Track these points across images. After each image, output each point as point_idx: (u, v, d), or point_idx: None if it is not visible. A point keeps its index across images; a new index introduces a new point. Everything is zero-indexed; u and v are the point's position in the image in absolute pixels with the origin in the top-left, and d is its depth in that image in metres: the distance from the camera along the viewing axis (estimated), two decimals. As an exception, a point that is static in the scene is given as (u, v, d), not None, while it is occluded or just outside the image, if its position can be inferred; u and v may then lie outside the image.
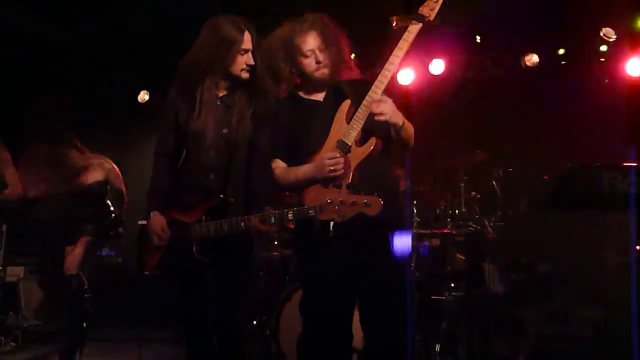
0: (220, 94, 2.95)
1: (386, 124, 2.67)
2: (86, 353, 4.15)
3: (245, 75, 2.90)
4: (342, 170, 2.65)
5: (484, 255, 4.56)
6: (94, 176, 4.25)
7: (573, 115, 5.51)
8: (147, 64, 5.99)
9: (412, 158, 3.08)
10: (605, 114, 5.34)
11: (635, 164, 3.52)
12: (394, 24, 5.11)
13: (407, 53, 2.68)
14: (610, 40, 5.33)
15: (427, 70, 5.98)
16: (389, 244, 2.75)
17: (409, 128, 2.80)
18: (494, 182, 4.85)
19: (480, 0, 5.23)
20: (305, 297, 2.87)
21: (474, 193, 4.89)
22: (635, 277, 3.42)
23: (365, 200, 2.49)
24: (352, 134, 2.68)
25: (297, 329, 2.83)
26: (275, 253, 4.68)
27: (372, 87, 2.68)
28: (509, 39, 5.78)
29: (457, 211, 4.82)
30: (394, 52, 2.68)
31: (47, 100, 5.67)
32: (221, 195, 2.85)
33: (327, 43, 2.79)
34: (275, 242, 4.74)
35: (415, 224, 4.76)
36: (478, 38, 5.77)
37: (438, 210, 4.92)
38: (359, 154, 2.69)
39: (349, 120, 2.72)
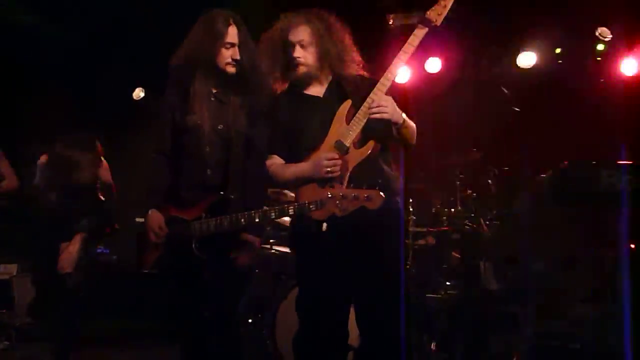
0: (214, 90, 2.93)
1: (387, 123, 2.66)
2: (80, 351, 4.13)
3: (231, 69, 2.87)
4: (339, 172, 2.64)
5: (479, 253, 4.57)
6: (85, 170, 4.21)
7: (568, 114, 5.52)
8: (142, 61, 5.96)
9: (408, 156, 3.07)
10: (600, 113, 5.35)
11: (629, 162, 3.53)
12: (390, 22, 5.10)
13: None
14: (606, 39, 5.34)
15: (424, 68, 5.98)
16: (384, 242, 2.75)
17: (411, 127, 2.79)
18: (489, 181, 4.86)
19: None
20: (301, 295, 2.86)
21: (469, 191, 4.89)
22: (628, 273, 3.43)
23: (367, 195, 2.48)
24: (350, 135, 2.67)
25: (293, 327, 2.83)
26: (271, 251, 4.67)
27: (374, 90, 2.67)
28: (505, 38, 5.79)
29: (452, 209, 4.82)
30: (398, 56, 2.67)
31: (40, 96, 5.64)
32: (221, 192, 2.83)
33: (318, 39, 2.77)
34: (272, 240, 4.72)
35: (411, 222, 4.76)
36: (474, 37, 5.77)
37: (434, 209, 4.92)
38: (356, 156, 2.68)
39: (348, 121, 2.70)
